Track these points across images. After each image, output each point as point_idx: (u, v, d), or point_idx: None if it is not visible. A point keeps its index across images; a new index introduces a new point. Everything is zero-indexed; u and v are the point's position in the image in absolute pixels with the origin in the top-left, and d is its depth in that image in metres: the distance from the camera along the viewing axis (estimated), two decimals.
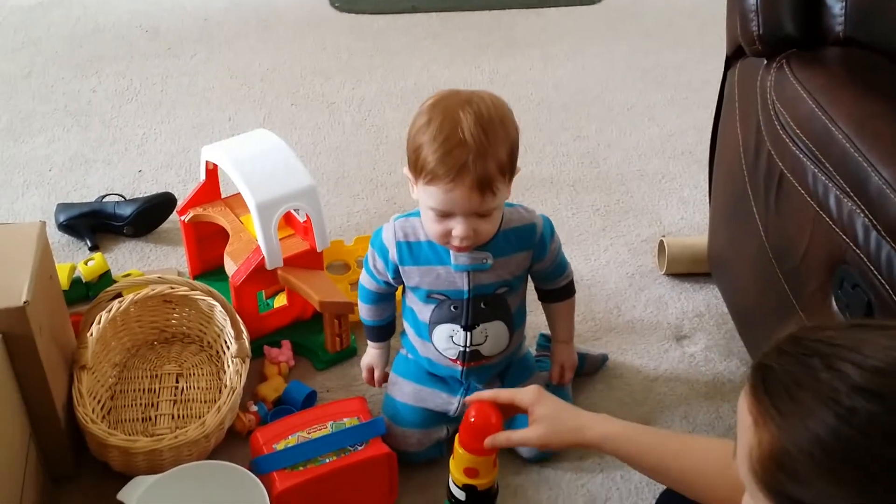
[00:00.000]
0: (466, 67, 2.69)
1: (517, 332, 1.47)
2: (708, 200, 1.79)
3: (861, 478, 0.68)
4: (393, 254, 1.39)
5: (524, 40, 2.86)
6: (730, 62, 1.57)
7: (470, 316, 1.40)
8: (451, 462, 1.22)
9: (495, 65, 2.71)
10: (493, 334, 1.42)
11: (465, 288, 1.38)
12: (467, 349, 1.42)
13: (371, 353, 1.56)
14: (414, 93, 2.55)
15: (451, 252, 1.35)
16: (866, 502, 0.69)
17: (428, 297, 1.40)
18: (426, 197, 1.27)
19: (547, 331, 1.69)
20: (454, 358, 1.44)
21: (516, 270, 1.40)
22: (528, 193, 2.15)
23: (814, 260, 1.26)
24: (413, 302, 1.44)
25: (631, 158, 2.30)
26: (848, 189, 1.17)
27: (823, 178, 1.23)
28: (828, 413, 0.68)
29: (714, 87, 1.66)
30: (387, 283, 1.45)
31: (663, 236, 1.93)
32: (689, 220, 2.09)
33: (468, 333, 1.41)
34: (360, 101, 2.52)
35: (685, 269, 1.90)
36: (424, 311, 1.42)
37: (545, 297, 1.52)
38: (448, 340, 1.42)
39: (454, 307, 1.40)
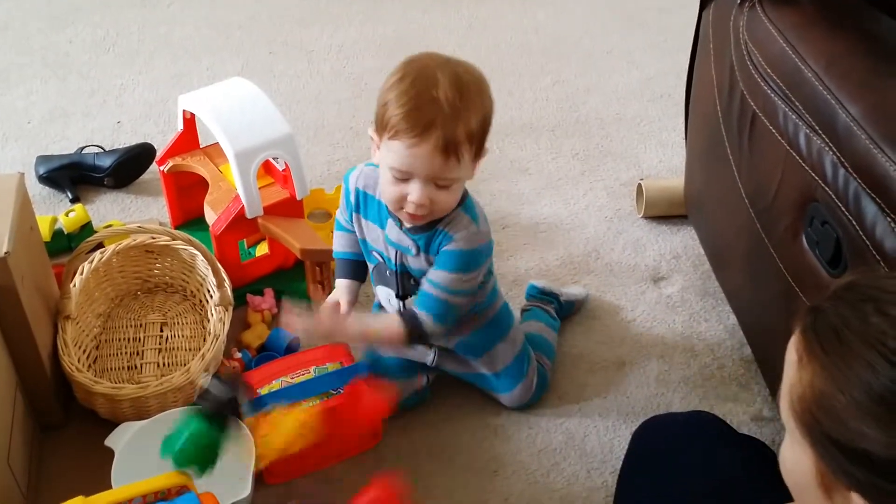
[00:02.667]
0: (446, 13, 2.68)
1: None
2: (685, 143, 1.80)
3: None
4: (353, 197, 1.38)
5: None
6: (705, 3, 1.57)
7: (401, 288, 1.39)
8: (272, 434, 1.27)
9: (475, 10, 2.69)
10: None
11: (394, 262, 1.36)
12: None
13: (337, 289, 1.45)
14: (394, 39, 2.54)
15: (388, 222, 1.32)
16: None
17: (370, 253, 1.40)
18: (388, 154, 1.21)
19: (537, 281, 1.70)
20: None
21: None
22: (507, 139, 2.16)
23: (785, 199, 1.28)
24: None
25: (610, 102, 2.31)
26: (817, 127, 1.19)
27: (794, 116, 1.24)
28: (874, 355, 0.69)
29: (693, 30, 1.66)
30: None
31: (641, 179, 1.95)
32: (668, 163, 2.10)
33: (401, 302, 1.40)
34: (338, 48, 2.51)
35: (663, 212, 1.91)
36: (370, 267, 1.42)
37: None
38: (387, 301, 1.43)
39: (388, 272, 1.39)
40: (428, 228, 1.30)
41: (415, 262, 1.34)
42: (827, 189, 1.17)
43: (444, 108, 1.16)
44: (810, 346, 0.73)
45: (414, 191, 1.22)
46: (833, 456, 0.72)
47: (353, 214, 1.39)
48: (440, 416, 1.51)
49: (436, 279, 1.31)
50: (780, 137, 1.27)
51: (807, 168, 1.21)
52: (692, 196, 1.76)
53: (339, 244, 1.47)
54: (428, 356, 1.51)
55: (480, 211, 1.33)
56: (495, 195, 1.98)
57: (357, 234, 1.40)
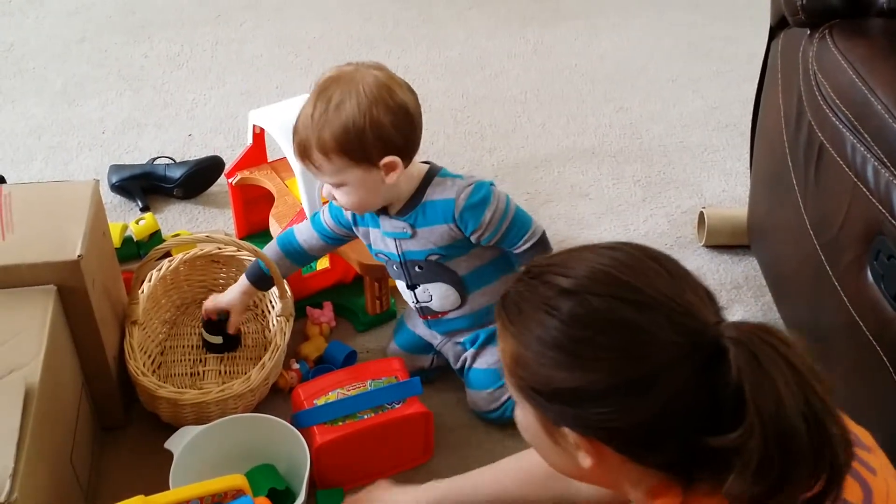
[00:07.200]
0: (511, 38, 2.70)
1: (475, 293, 1.47)
2: (749, 172, 1.79)
3: (572, 359, 0.82)
4: (347, 214, 1.48)
5: (570, 11, 2.85)
6: (774, 33, 1.57)
7: (408, 276, 1.48)
8: None
9: (540, 35, 2.71)
10: (438, 294, 1.48)
11: (396, 252, 1.45)
12: (416, 304, 1.52)
13: (233, 291, 1.57)
14: (458, 63, 2.57)
15: (379, 218, 1.42)
16: (582, 378, 0.81)
17: (377, 255, 1.50)
18: None
19: None
20: (414, 308, 1.55)
21: (442, 241, 1.40)
22: (569, 164, 2.16)
23: (850, 231, 1.27)
24: None
25: (674, 130, 2.30)
26: (885, 160, 1.18)
27: (862, 148, 1.23)
28: (543, 315, 0.83)
29: (761, 60, 1.65)
30: (348, 226, 1.50)
31: (703, 208, 1.94)
32: (731, 193, 2.08)
33: (412, 291, 1.50)
34: (404, 70, 2.51)
35: (725, 241, 1.90)
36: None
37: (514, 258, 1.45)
38: (404, 289, 1.52)
39: (395, 266, 1.48)
40: (412, 207, 1.39)
41: (414, 245, 1.43)
42: (894, 223, 1.15)
43: (305, 120, 1.32)
44: (503, 322, 0.88)
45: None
46: (540, 402, 0.86)
47: (354, 228, 1.49)
48: (492, 436, 1.52)
49: (488, 225, 1.38)
50: (847, 169, 1.26)
51: (874, 201, 1.20)
52: (755, 225, 1.74)
53: (270, 250, 1.56)
54: (436, 339, 1.57)
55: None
56: (555, 219, 1.99)
57: (364, 241, 1.51)
